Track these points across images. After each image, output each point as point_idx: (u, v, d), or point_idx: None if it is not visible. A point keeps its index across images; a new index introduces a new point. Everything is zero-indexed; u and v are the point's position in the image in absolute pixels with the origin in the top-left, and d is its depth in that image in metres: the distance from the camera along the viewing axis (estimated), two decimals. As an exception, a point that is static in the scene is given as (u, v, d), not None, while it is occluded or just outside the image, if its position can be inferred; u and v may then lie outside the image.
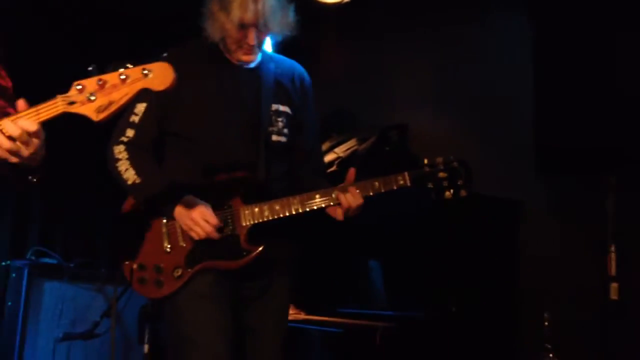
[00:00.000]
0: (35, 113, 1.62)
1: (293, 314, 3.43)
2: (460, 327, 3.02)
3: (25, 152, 1.64)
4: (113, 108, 1.51)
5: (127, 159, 2.32)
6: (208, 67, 2.40)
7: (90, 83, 1.53)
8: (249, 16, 2.26)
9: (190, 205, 2.24)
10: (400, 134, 3.87)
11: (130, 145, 2.33)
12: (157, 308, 3.47)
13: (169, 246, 2.30)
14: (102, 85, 1.52)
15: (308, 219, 2.38)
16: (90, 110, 1.53)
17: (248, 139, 2.36)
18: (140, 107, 2.32)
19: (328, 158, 3.81)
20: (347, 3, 3.93)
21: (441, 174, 2.29)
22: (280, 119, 2.43)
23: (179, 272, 2.27)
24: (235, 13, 2.26)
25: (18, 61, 2.16)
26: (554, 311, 2.79)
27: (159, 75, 1.51)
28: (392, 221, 3.35)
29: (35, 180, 1.79)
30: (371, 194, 2.30)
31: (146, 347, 3.44)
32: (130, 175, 2.30)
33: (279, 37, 2.42)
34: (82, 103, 1.55)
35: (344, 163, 3.70)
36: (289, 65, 2.55)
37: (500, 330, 3.19)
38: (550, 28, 3.08)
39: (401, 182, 2.29)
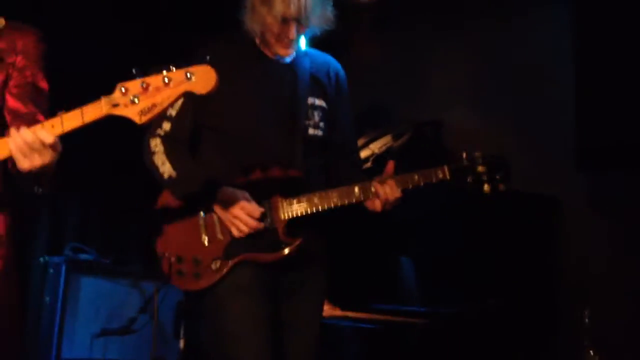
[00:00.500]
0: (80, 114, 1.65)
1: (328, 310, 3.45)
2: (499, 324, 3.01)
3: (37, 160, 1.70)
4: (156, 111, 1.54)
5: (164, 152, 2.33)
6: (245, 61, 2.42)
7: (134, 85, 1.56)
8: (291, 11, 2.28)
9: (230, 199, 2.25)
10: (435, 130, 3.86)
11: (166, 139, 2.35)
12: (193, 303, 3.54)
13: (206, 239, 2.30)
14: (145, 88, 1.55)
15: (342, 214, 2.39)
16: (134, 112, 1.57)
17: (285, 133, 2.37)
18: (178, 101, 2.34)
19: (363, 154, 3.81)
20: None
21: (480, 168, 2.29)
22: (316, 113, 2.44)
23: (217, 264, 2.28)
24: (278, 8, 2.28)
25: (61, 61, 2.20)
26: (595, 309, 2.77)
27: (201, 78, 1.54)
28: (428, 217, 3.35)
29: (40, 191, 1.85)
30: (410, 187, 2.30)
31: (182, 342, 3.50)
32: (166, 169, 2.31)
33: (317, 31, 2.43)
34: (126, 105, 1.58)
35: (379, 159, 3.70)
36: (324, 59, 2.57)
37: (540, 328, 3.17)
38: (592, 20, 3.05)
39: (440, 175, 2.29)
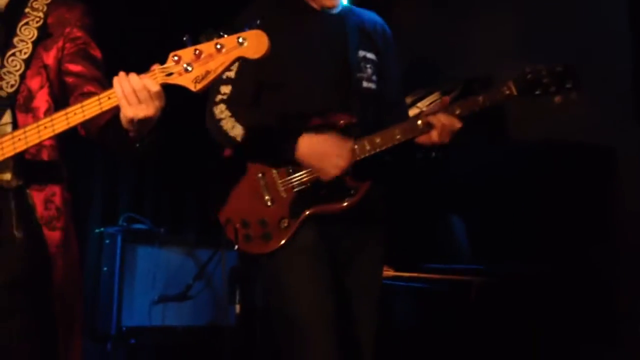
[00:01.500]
0: (153, 77, 1.67)
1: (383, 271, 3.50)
2: (558, 281, 2.99)
3: (142, 110, 1.67)
4: (211, 77, 1.57)
5: (231, 116, 2.30)
6: (294, 15, 2.40)
7: (187, 53, 1.59)
8: None
9: (318, 144, 2.22)
10: (484, 87, 3.81)
11: (229, 102, 2.31)
12: (249, 268, 3.62)
13: (269, 199, 2.28)
14: (198, 56, 1.58)
15: (391, 174, 2.39)
16: (188, 80, 1.60)
17: (340, 86, 2.35)
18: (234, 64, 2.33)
19: (411, 113, 3.81)
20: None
21: (546, 80, 2.22)
22: (368, 66, 2.42)
23: (285, 222, 2.25)
24: None
25: (111, 33, 2.23)
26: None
27: (254, 43, 1.55)
28: (477, 174, 3.34)
29: (140, 146, 1.82)
30: (477, 109, 2.24)
31: (237, 307, 3.60)
32: (238, 131, 2.28)
33: None
34: (180, 74, 1.60)
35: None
36: (370, 15, 2.56)
37: (599, 284, 3.14)
38: None
39: (507, 92, 2.23)
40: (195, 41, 1.62)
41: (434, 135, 2.23)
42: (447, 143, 2.26)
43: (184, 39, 1.61)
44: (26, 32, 1.99)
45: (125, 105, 1.68)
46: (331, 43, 2.40)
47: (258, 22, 1.53)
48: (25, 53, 1.96)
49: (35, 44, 1.98)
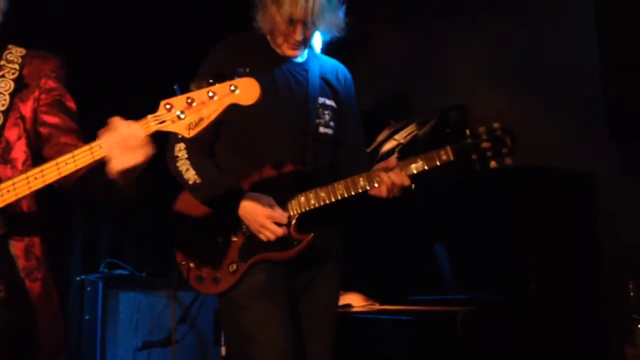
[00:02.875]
0: (146, 124, 1.72)
1: (367, 305, 3.54)
2: (543, 305, 3.05)
3: (130, 159, 1.72)
4: (204, 123, 1.64)
5: (187, 158, 2.44)
6: (260, 58, 2.52)
7: (179, 101, 1.66)
8: (298, 12, 2.39)
9: (256, 207, 2.35)
10: (459, 115, 3.91)
11: (189, 142, 2.44)
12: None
13: (222, 242, 2.43)
14: (190, 103, 1.64)
15: (367, 207, 2.47)
16: (182, 127, 1.66)
17: (296, 131, 2.48)
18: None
19: (388, 146, 3.88)
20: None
21: (484, 144, 2.31)
22: (326, 112, 2.56)
23: (234, 267, 2.39)
24: (286, 8, 2.40)
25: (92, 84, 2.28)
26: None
27: (245, 90, 1.63)
28: (456, 202, 3.41)
29: (127, 194, 1.88)
30: (415, 172, 2.37)
31: (223, 349, 3.59)
32: (191, 175, 2.42)
33: (328, 35, 2.56)
34: (173, 121, 1.67)
35: (405, 149, 3.75)
36: (333, 63, 2.71)
37: (585, 305, 3.20)
38: None
39: (444, 157, 2.34)
40: (184, 89, 1.69)
41: (383, 191, 2.38)
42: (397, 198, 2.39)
43: (174, 87, 1.68)
44: (2, 84, 2.03)
45: (116, 155, 1.73)
46: (293, 89, 2.53)
47: (247, 69, 1.61)
48: (2, 105, 2.00)
49: (12, 95, 2.02)
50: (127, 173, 1.76)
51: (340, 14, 2.52)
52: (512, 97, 3.79)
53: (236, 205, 2.38)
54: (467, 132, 2.33)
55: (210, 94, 1.63)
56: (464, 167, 2.34)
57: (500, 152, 2.31)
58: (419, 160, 2.36)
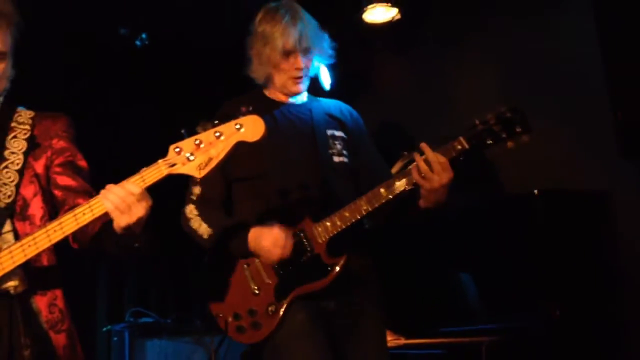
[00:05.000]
0: (141, 179, 1.82)
1: (392, 340, 3.52)
2: (567, 330, 3.03)
3: (133, 214, 1.81)
4: (214, 163, 1.70)
5: (198, 215, 2.49)
6: (259, 109, 2.54)
7: (187, 144, 1.73)
8: (290, 42, 2.49)
9: (259, 236, 2.35)
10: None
11: (199, 202, 2.52)
12: (257, 353, 3.64)
13: (256, 287, 2.41)
14: (198, 145, 1.72)
15: (392, 240, 2.46)
16: (192, 168, 1.73)
17: (311, 165, 2.50)
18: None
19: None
20: (398, 20, 4.06)
21: (496, 127, 2.27)
22: (337, 142, 2.59)
23: (273, 308, 2.36)
24: (278, 42, 2.49)
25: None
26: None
27: (251, 127, 1.70)
28: (477, 230, 3.41)
29: (138, 245, 1.94)
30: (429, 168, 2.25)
31: (252, 393, 3.60)
32: (204, 230, 2.46)
33: (325, 61, 2.64)
34: (183, 163, 1.75)
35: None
36: (335, 102, 2.77)
37: (607, 327, 3.15)
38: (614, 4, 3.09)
39: (459, 147, 2.30)
40: (191, 133, 1.77)
41: (426, 200, 2.30)
42: (451, 180, 2.27)
43: (182, 132, 1.74)
44: (15, 144, 2.12)
45: (118, 215, 1.83)
46: (298, 127, 2.58)
47: (250, 108, 1.67)
48: (17, 164, 2.09)
49: (26, 154, 2.11)
50: (131, 228, 1.86)
51: (327, 38, 2.60)
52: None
53: (246, 243, 2.39)
54: (476, 120, 2.30)
55: (217, 134, 1.69)
56: (480, 150, 2.29)
57: (514, 131, 2.27)
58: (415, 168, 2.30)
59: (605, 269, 3.26)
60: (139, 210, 1.82)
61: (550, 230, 3.17)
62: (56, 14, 3.71)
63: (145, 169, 1.83)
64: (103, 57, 4.39)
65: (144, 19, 4.20)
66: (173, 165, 1.77)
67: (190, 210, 2.52)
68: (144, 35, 4.23)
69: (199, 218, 2.49)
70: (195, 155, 1.72)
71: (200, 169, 1.71)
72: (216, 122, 1.74)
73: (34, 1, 2.20)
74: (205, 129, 1.72)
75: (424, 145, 2.28)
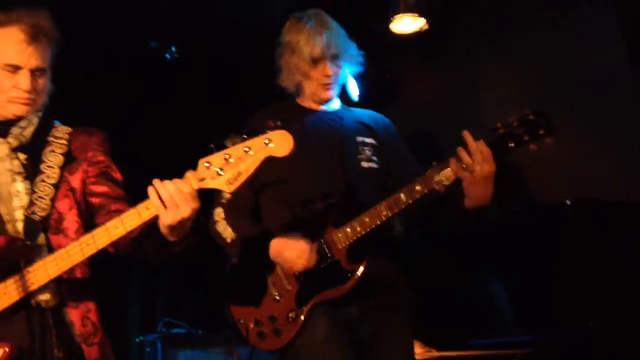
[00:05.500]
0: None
1: (424, 352, 3.50)
2: (601, 343, 2.99)
3: (178, 213, 1.82)
4: (243, 178, 1.73)
5: (224, 219, 2.53)
6: (291, 117, 2.58)
7: (217, 159, 1.76)
8: (317, 49, 2.52)
9: (283, 247, 2.37)
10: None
11: (227, 207, 2.55)
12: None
13: (277, 294, 2.43)
14: (228, 160, 1.74)
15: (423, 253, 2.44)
16: (222, 183, 1.76)
17: (336, 171, 2.52)
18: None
19: (433, 188, 3.89)
20: (425, 30, 4.06)
21: (519, 130, 2.21)
22: (367, 149, 2.60)
23: (294, 314, 2.38)
24: (305, 50, 2.52)
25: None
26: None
27: (280, 143, 1.73)
28: (512, 240, 3.38)
29: (178, 250, 1.95)
30: (445, 177, 2.23)
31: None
32: (228, 234, 2.50)
33: (354, 69, 2.65)
34: (213, 178, 1.77)
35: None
36: (368, 111, 2.78)
37: None
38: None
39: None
40: (220, 147, 1.79)
41: (472, 167, 2.19)
42: (494, 173, 2.21)
43: (211, 146, 1.77)
44: (52, 159, 2.18)
45: (163, 212, 1.84)
46: (328, 134, 2.61)
47: (279, 123, 1.68)
48: (53, 178, 2.14)
49: (62, 169, 2.17)
50: (176, 228, 1.87)
51: (354, 46, 2.61)
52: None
53: (267, 251, 2.41)
54: (499, 123, 2.24)
55: (246, 149, 1.71)
56: (502, 156, 2.22)
57: (538, 134, 2.20)
58: (451, 161, 2.26)
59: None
60: (186, 210, 1.82)
61: (584, 240, 3.14)
62: (87, 27, 3.77)
63: (176, 180, 1.85)
64: (135, 70, 4.46)
65: (174, 32, 4.26)
66: (203, 179, 1.79)
67: (218, 213, 2.55)
68: (173, 49, 4.29)
69: (224, 222, 2.52)
70: (225, 170, 1.75)
71: (229, 184, 1.73)
72: (245, 136, 1.75)
73: (64, 16, 2.23)
74: (234, 144, 1.74)
75: (466, 134, 2.23)
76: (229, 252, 2.54)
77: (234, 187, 1.74)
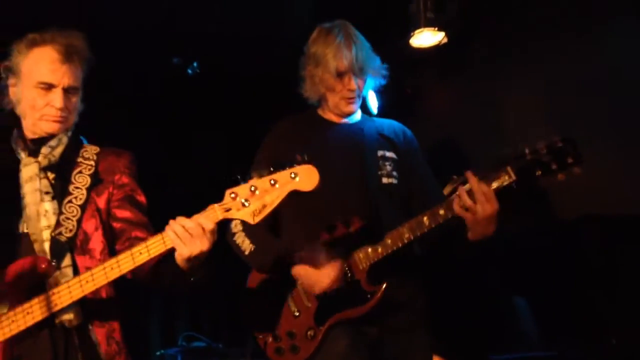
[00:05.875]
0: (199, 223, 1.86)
1: (444, 366, 3.49)
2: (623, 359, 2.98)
3: (197, 247, 1.86)
4: (268, 210, 1.75)
5: (242, 230, 2.53)
6: (312, 129, 2.63)
7: (243, 190, 1.78)
8: (344, 63, 2.51)
9: (306, 266, 2.36)
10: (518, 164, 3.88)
11: None
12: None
13: (296, 310, 2.43)
14: (253, 192, 1.76)
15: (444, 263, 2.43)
16: (247, 214, 1.78)
17: (358, 185, 2.50)
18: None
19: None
20: (444, 44, 4.07)
21: (546, 158, 2.15)
22: (387, 163, 2.58)
23: (312, 332, 2.38)
24: (332, 63, 2.51)
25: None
26: None
27: (305, 177, 1.75)
28: (535, 254, 3.37)
29: (194, 279, 1.99)
30: (471, 200, 2.17)
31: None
32: (246, 245, 2.49)
33: (377, 82, 2.64)
34: (238, 209, 1.80)
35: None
36: (390, 122, 2.76)
37: None
38: None
39: (506, 177, 2.18)
40: (245, 178, 1.82)
41: (473, 230, 2.21)
42: (496, 212, 2.17)
43: (238, 177, 1.79)
44: (80, 180, 2.21)
45: (181, 245, 1.88)
46: (349, 148, 2.59)
47: (306, 157, 1.70)
48: (80, 199, 2.17)
49: (89, 189, 2.20)
50: (193, 260, 1.90)
51: (378, 60, 2.61)
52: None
53: (287, 265, 2.41)
54: (526, 149, 2.18)
55: (272, 181, 1.73)
56: (528, 185, 2.18)
57: (566, 163, 2.14)
58: (477, 184, 2.19)
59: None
60: (204, 243, 1.87)
61: (605, 256, 3.13)
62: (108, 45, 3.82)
63: (199, 214, 1.88)
64: (156, 87, 4.51)
65: (194, 48, 4.30)
66: (228, 210, 1.82)
67: (236, 224, 2.55)
68: (195, 64, 4.32)
69: (242, 233, 2.52)
70: (250, 201, 1.77)
71: (254, 215, 1.75)
72: (272, 169, 1.77)
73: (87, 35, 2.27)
74: (261, 176, 1.76)
75: (469, 175, 2.20)
76: (247, 263, 2.55)
77: (258, 219, 1.76)
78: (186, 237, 1.86)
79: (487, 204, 2.17)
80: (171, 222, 1.89)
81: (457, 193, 2.23)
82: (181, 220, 1.87)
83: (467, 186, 2.20)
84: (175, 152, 4.68)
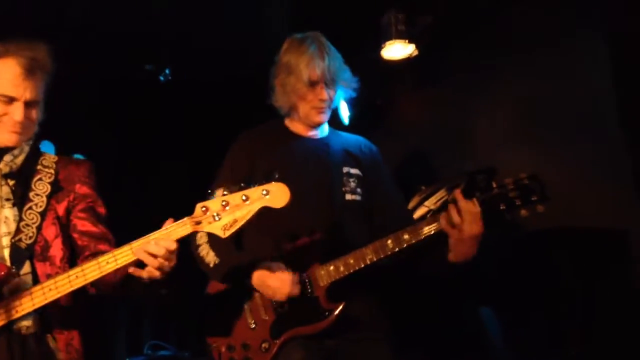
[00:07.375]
0: (167, 233, 1.90)
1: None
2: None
3: (167, 267, 1.93)
4: (238, 224, 1.78)
5: (207, 242, 2.54)
6: (278, 141, 2.66)
7: (214, 204, 1.82)
8: (317, 73, 2.55)
9: (265, 273, 2.39)
10: (489, 178, 3.95)
11: None
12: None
13: (252, 322, 2.46)
14: (224, 206, 1.80)
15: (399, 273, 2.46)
16: (217, 228, 1.81)
17: (321, 201, 2.54)
18: (219, 193, 2.55)
19: (419, 213, 3.94)
20: (415, 57, 4.14)
21: (512, 194, 2.24)
22: (352, 180, 2.62)
23: (266, 345, 2.41)
24: (304, 72, 2.54)
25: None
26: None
27: (276, 194, 1.79)
28: (500, 265, 3.42)
29: (165, 292, 2.06)
30: (434, 230, 2.26)
31: None
32: (211, 258, 2.51)
33: (347, 94, 2.69)
34: (209, 222, 1.83)
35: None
36: (355, 137, 2.81)
37: None
38: (626, 41, 3.15)
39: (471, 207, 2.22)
40: (210, 190, 1.87)
41: (460, 226, 2.25)
42: (481, 233, 2.25)
43: (209, 192, 1.82)
44: (40, 187, 2.23)
45: (153, 271, 1.96)
46: (314, 163, 2.63)
47: (277, 175, 1.73)
48: (40, 206, 2.19)
49: (49, 197, 2.23)
50: (162, 275, 1.96)
51: (349, 72, 2.66)
52: (540, 159, 3.82)
53: (249, 277, 2.43)
54: (494, 183, 2.28)
55: (244, 197, 1.77)
56: (492, 219, 2.27)
57: (530, 200, 2.23)
58: (440, 217, 2.29)
59: (623, 306, 3.27)
60: (172, 263, 1.95)
61: (570, 268, 3.19)
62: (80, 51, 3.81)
63: (170, 225, 1.92)
64: (128, 93, 4.50)
65: (167, 55, 4.30)
66: (199, 222, 1.84)
67: (201, 236, 2.56)
68: (167, 71, 4.32)
69: (207, 245, 2.53)
70: (221, 215, 1.80)
71: (225, 230, 1.79)
72: (242, 184, 1.81)
73: (57, 39, 2.27)
74: (231, 192, 1.79)
75: (457, 193, 2.28)
76: (210, 276, 2.57)
77: (228, 233, 1.79)
78: (159, 263, 1.92)
79: (474, 224, 2.24)
80: (139, 248, 1.94)
81: (447, 211, 2.28)
82: (148, 247, 1.92)
83: (456, 205, 2.26)
84: (144, 159, 4.67)
